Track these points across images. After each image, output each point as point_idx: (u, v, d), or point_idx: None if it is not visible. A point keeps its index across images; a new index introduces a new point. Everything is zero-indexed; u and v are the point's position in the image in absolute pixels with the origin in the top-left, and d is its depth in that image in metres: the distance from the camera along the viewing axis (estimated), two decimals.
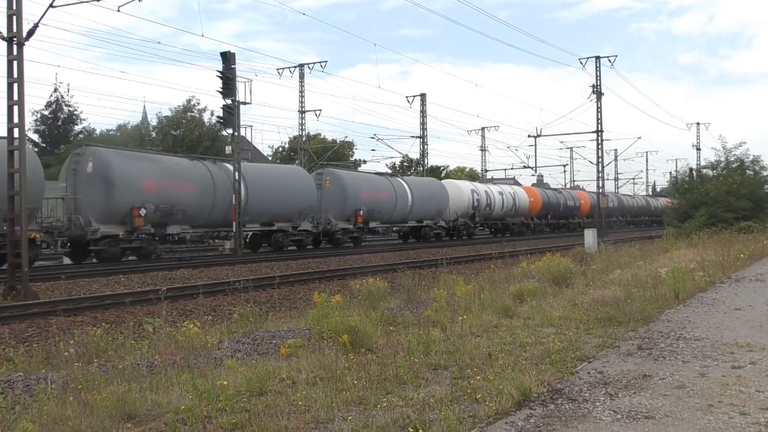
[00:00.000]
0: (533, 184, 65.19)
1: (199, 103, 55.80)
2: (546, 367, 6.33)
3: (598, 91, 46.82)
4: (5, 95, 15.10)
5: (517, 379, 5.70)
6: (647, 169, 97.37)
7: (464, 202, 42.38)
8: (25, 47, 15.10)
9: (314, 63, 46.45)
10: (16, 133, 15.10)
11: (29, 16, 15.37)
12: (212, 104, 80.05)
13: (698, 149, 72.78)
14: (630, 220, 70.22)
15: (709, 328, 8.49)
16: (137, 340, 9.38)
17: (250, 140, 50.23)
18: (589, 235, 27.54)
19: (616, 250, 23.01)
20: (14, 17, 15.03)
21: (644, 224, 74.06)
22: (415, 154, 54.91)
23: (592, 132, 48.58)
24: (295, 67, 46.31)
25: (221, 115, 27.38)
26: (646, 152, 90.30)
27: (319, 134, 65.45)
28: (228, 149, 27.85)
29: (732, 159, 36.50)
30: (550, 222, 54.45)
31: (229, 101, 26.71)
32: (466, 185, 44.38)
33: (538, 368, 6.30)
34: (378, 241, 41.38)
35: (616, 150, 75.72)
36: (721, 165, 36.87)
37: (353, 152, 69.72)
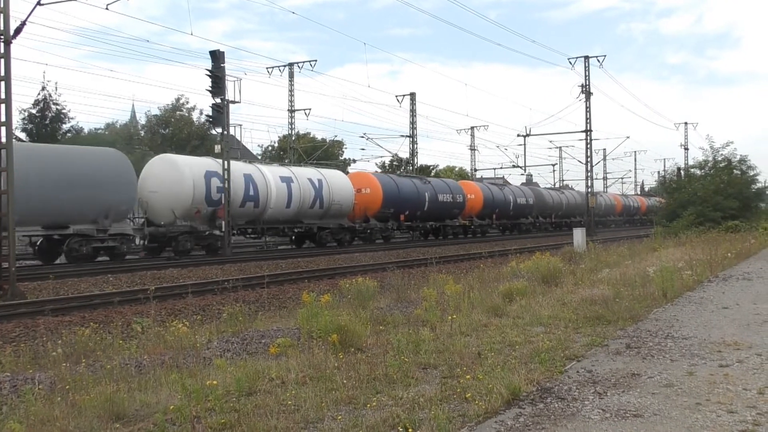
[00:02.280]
0: (523, 183, 65.15)
1: (188, 102, 55.65)
2: (535, 366, 6.35)
3: (587, 91, 47.04)
4: None
5: (506, 378, 5.71)
6: (635, 169, 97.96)
7: (187, 192, 25.57)
8: (12, 45, 15.00)
9: (304, 62, 46.51)
10: (3, 131, 15.00)
11: (16, 13, 15.30)
12: (201, 103, 79.76)
13: (686, 149, 73.47)
14: (554, 221, 57.61)
15: (696, 326, 8.54)
16: (126, 339, 9.32)
17: (239, 139, 50.06)
18: (578, 234, 27.66)
19: (605, 249, 23.12)
20: (1, 15, 14.92)
21: (569, 227, 52.68)
22: (405, 154, 54.94)
23: (581, 132, 48.86)
24: (284, 66, 46.32)
25: (210, 114, 27.30)
26: (635, 152, 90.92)
27: (309, 133, 65.44)
28: (217, 148, 27.77)
29: (719, 158, 36.82)
30: (406, 225, 38.96)
31: (218, 100, 26.63)
32: (191, 163, 27.02)
33: (528, 367, 6.32)
34: None
35: (604, 149, 76.30)
36: (709, 164, 37.17)
37: (343, 151, 69.75)
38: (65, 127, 50.65)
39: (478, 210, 45.19)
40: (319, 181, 31.69)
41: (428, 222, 40.46)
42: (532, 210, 52.83)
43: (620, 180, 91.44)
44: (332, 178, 32.93)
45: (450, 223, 42.45)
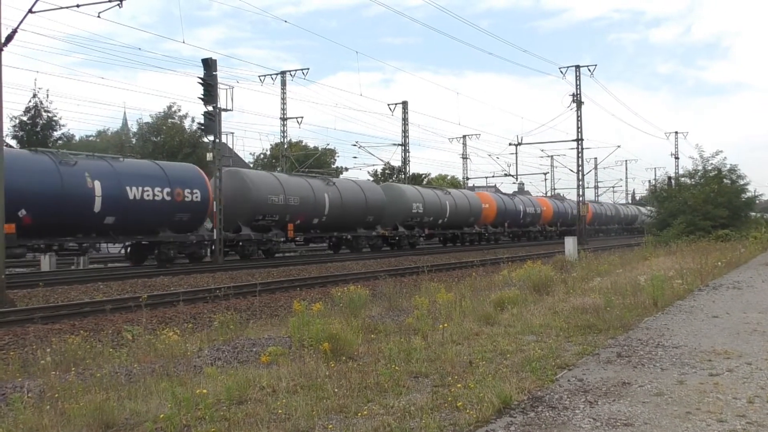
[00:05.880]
0: (515, 192, 65.26)
1: (180, 110, 55.51)
2: (526, 374, 6.35)
3: (578, 100, 47.23)
4: None
5: (497, 386, 5.71)
6: (627, 178, 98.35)
7: None
8: (3, 53, 14.97)
9: (296, 70, 46.48)
10: None
11: (7, 21, 15.27)
12: (193, 111, 79.85)
13: (676, 158, 73.80)
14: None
15: (687, 335, 8.56)
16: (116, 348, 9.28)
17: (231, 147, 50.00)
18: (570, 243, 27.73)
19: (596, 257, 23.17)
20: None
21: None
22: (397, 162, 55.09)
23: (573, 140, 49.00)
24: (277, 74, 46.30)
25: (202, 121, 27.28)
26: (626, 161, 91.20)
27: (301, 141, 65.49)
28: (209, 156, 27.74)
29: (709, 168, 36.98)
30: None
31: (210, 108, 26.63)
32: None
33: (519, 376, 6.32)
34: None
35: (596, 158, 76.20)
36: (699, 174, 37.33)
37: (335, 160, 69.82)
38: (56, 134, 50.49)
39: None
40: None
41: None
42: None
43: (611, 189, 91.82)
44: None
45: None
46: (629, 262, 20.71)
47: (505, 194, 55.48)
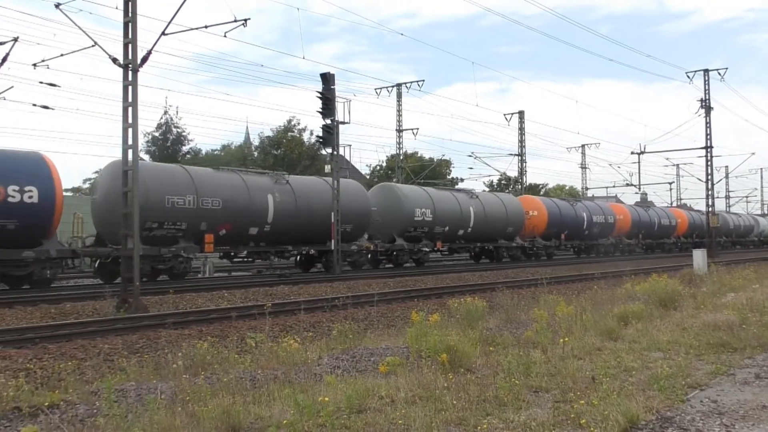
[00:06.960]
0: (637, 203, 62.56)
1: (299, 123, 57.24)
2: (654, 393, 6.06)
3: (706, 106, 44.87)
4: (121, 119, 15.95)
5: (623, 404, 5.48)
6: (762, 187, 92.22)
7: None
8: (138, 73, 15.94)
9: (411, 82, 46.92)
10: (129, 154, 15.93)
11: (142, 43, 16.21)
12: (312, 124, 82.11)
13: None
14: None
15: None
16: (240, 354, 9.62)
17: (348, 159, 51.04)
18: (699, 256, 26.28)
19: (728, 271, 21.87)
20: (129, 45, 15.90)
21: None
22: (513, 172, 54.31)
23: (701, 148, 46.54)
24: (392, 86, 46.86)
25: (321, 134, 27.94)
26: (761, 169, 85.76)
27: (417, 152, 65.83)
28: (327, 168, 28.34)
29: None
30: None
31: (328, 121, 27.25)
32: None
33: (646, 394, 6.04)
34: None
35: (727, 167, 71.81)
36: None
37: (450, 170, 69.71)
38: (185, 148, 53.32)
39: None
40: None
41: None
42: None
43: (745, 199, 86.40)
44: None
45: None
46: (766, 277, 19.40)
47: (563, 200, 45.49)
